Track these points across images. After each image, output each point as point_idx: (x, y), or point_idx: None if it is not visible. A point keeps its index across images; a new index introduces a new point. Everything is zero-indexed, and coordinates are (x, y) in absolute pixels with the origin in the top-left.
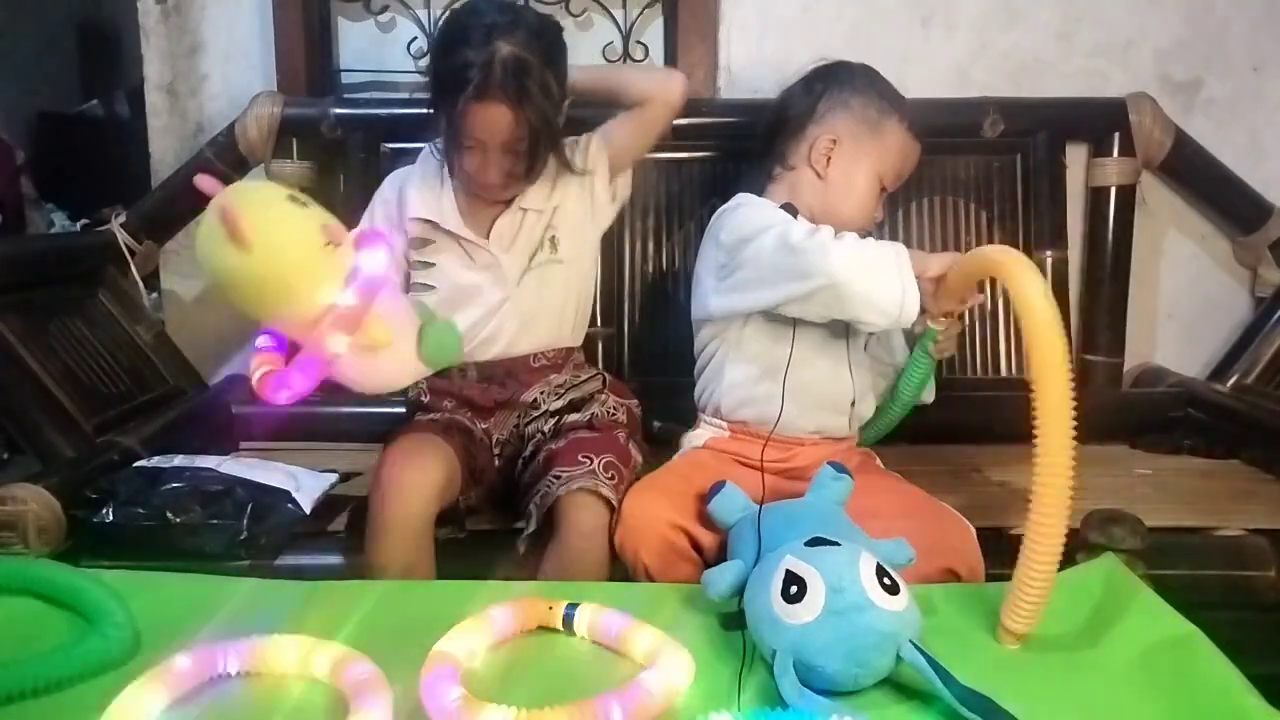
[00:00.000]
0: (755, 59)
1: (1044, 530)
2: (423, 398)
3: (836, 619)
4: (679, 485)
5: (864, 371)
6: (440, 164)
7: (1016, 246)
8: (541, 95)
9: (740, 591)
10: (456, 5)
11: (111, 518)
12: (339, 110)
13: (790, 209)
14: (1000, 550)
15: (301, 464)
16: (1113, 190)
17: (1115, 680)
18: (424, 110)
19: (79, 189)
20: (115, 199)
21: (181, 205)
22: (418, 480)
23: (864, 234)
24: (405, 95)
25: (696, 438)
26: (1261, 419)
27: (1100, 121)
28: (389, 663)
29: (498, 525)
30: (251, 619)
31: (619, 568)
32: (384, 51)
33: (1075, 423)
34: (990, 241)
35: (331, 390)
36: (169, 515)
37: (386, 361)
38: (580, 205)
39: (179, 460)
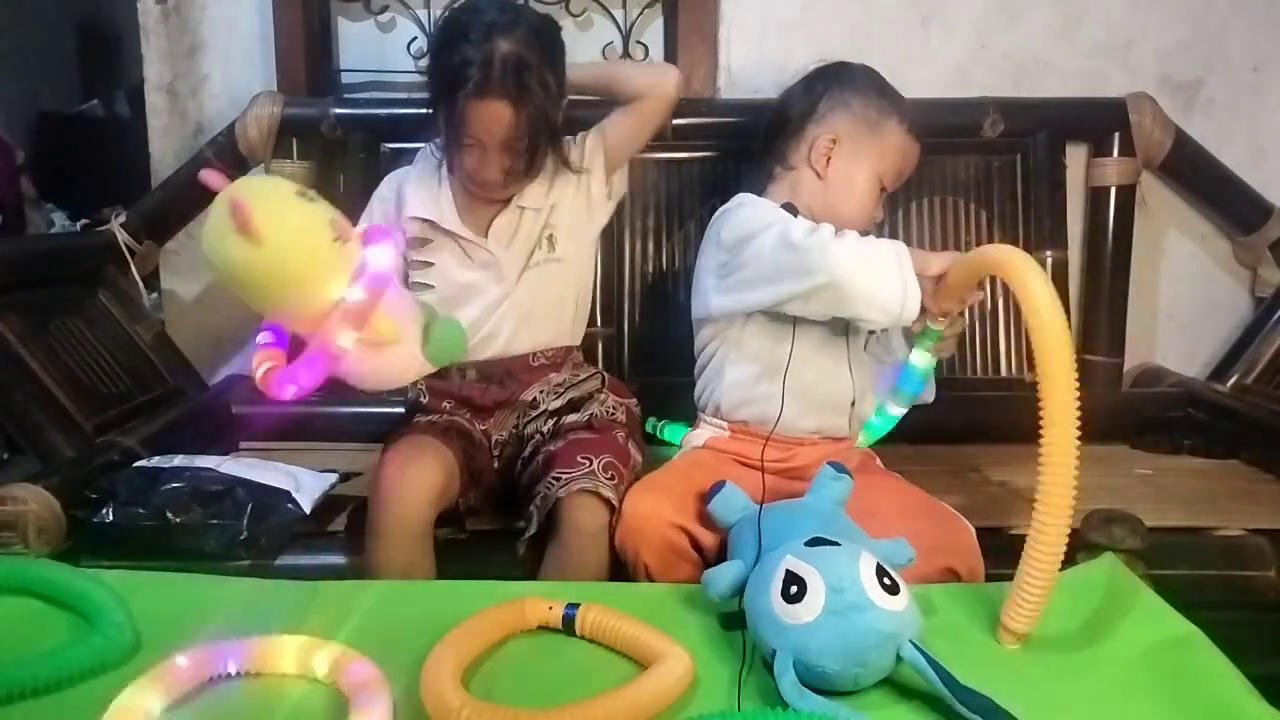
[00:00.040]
0: (755, 59)
1: (1046, 529)
2: (421, 398)
3: (836, 619)
4: (679, 485)
5: (864, 371)
6: (438, 163)
7: (1016, 246)
8: (541, 92)
9: (740, 591)
10: (455, 4)
11: (111, 518)
12: (339, 110)
13: (791, 209)
14: (1000, 550)
15: (301, 464)
16: (1113, 190)
17: (1115, 680)
18: (424, 110)
19: (79, 189)
20: (115, 199)
21: (181, 205)
22: (416, 484)
23: (864, 234)
24: (405, 95)
25: (696, 437)
26: (1261, 419)
27: (1100, 121)
28: (389, 663)
29: (498, 526)
30: (251, 619)
31: (619, 568)
32: (384, 51)
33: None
34: (990, 241)
35: (331, 390)
36: (169, 515)
37: (392, 358)
38: (577, 203)
39: (179, 460)
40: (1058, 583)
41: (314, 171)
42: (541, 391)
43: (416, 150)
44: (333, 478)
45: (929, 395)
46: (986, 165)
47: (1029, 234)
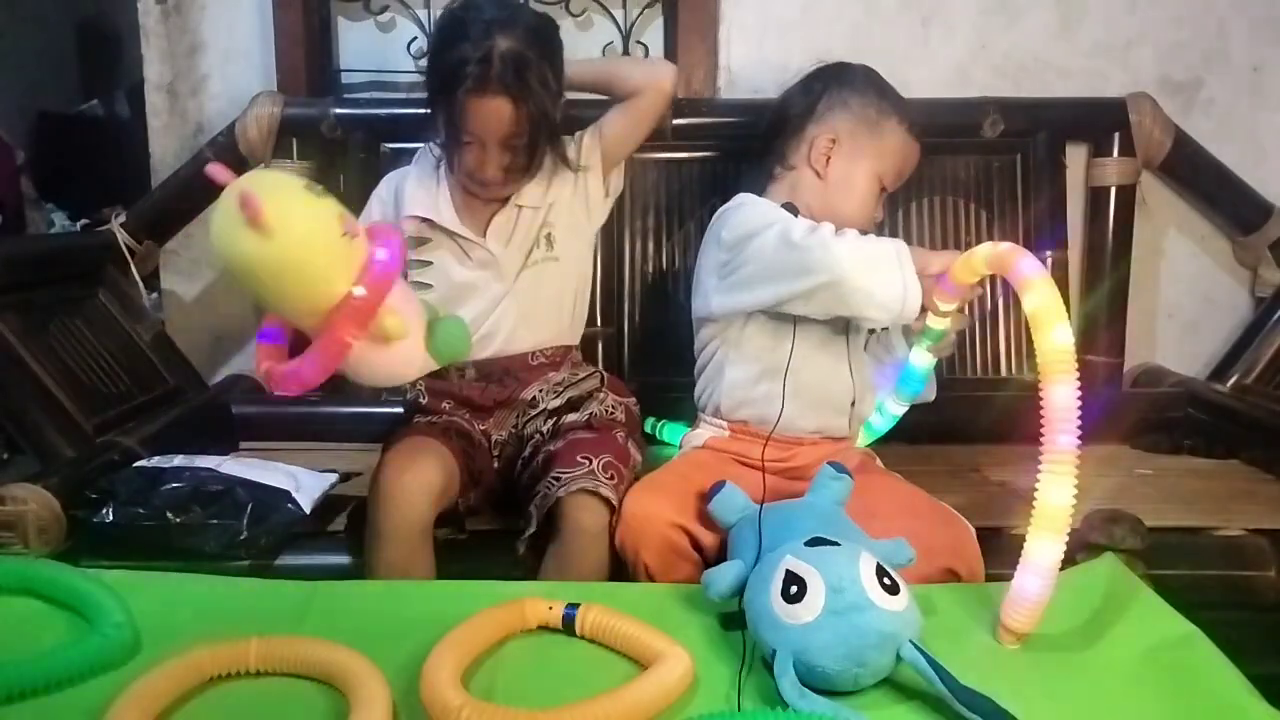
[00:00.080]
0: (755, 59)
1: (1046, 529)
2: (421, 399)
3: (836, 619)
4: (679, 485)
5: (864, 371)
6: (436, 163)
7: None
8: (540, 89)
9: (740, 591)
10: (454, 2)
11: (111, 518)
12: (339, 110)
13: (791, 208)
14: (1000, 550)
15: (301, 464)
16: (1113, 190)
17: (1115, 680)
18: (424, 110)
19: (79, 189)
20: (115, 199)
21: (182, 205)
22: (416, 486)
23: (864, 233)
24: (405, 95)
25: (696, 437)
26: (1261, 419)
27: (1100, 121)
28: (389, 663)
29: (498, 526)
30: (251, 619)
31: (619, 568)
32: (384, 51)
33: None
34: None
35: (331, 390)
36: (169, 515)
37: (397, 354)
38: (575, 201)
39: (179, 460)
40: (1058, 583)
41: (314, 171)
42: (541, 390)
43: (416, 150)
44: (333, 478)
45: (930, 394)
46: (986, 165)
47: (1029, 234)
